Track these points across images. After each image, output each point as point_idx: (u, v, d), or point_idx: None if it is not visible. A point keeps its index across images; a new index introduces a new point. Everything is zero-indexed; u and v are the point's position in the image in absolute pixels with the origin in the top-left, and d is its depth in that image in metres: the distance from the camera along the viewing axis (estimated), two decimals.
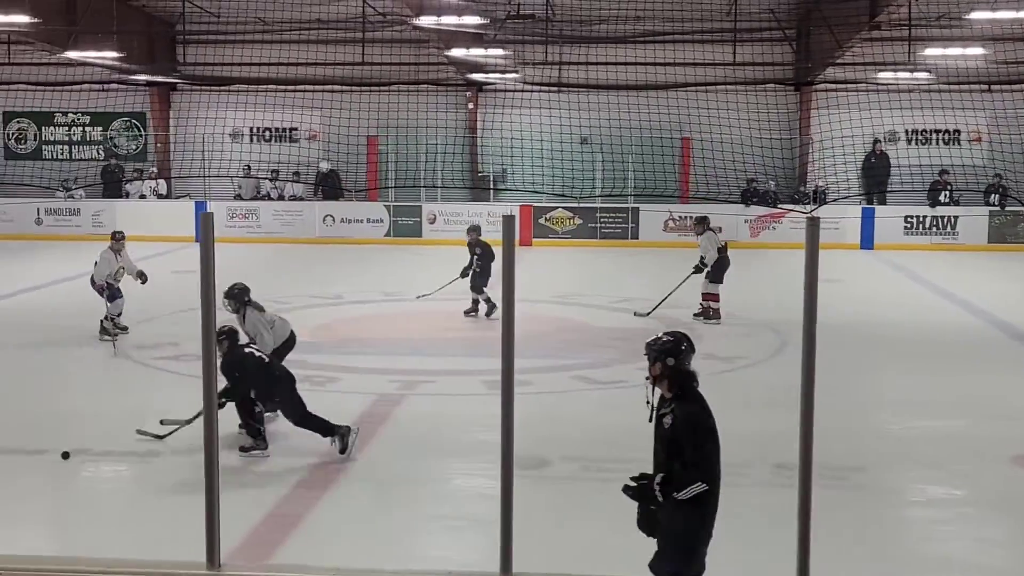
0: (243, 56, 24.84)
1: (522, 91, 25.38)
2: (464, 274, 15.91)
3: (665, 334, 5.59)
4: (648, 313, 15.97)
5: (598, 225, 25.66)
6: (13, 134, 28.51)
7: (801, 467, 4.23)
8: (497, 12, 22.35)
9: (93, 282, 14.33)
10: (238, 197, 26.87)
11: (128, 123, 28.37)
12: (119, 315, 14.33)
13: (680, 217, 25.37)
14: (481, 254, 15.76)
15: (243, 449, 9.33)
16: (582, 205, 23.42)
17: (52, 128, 28.49)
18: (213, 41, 25.84)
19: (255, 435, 9.39)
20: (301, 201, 26.75)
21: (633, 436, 6.17)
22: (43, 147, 28.49)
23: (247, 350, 9.61)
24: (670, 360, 5.40)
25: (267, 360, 9.59)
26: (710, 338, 14.47)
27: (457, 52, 23.16)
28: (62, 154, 28.47)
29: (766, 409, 10.79)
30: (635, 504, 5.48)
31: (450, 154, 26.49)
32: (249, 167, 26.79)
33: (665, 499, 5.26)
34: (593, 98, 24.55)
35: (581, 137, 25.12)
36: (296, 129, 27.72)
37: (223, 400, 8.67)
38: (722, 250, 15.93)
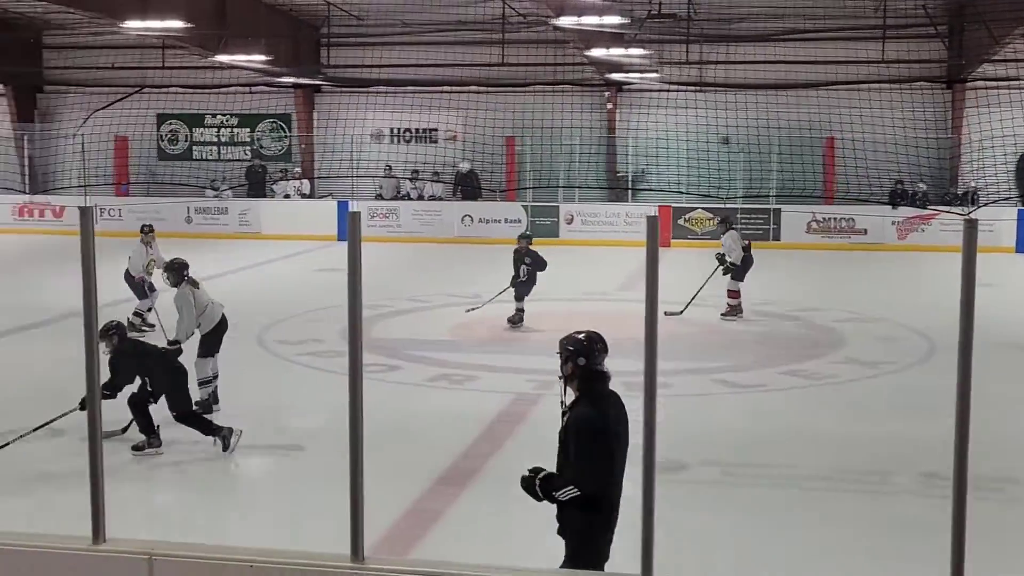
0: (385, 58, 25.25)
1: (662, 91, 25.16)
2: (513, 283, 15.29)
3: (578, 333, 5.41)
4: (681, 312, 15.64)
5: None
6: (166, 135, 29.52)
7: (956, 477, 4.06)
8: (638, 11, 22.20)
9: (130, 277, 14.54)
10: (379, 197, 27.30)
11: (274, 124, 29.11)
12: (149, 310, 14.48)
13: (823, 219, 24.81)
14: (532, 263, 15.20)
15: (136, 448, 9.24)
16: (723, 206, 23.10)
17: (202, 129, 29.41)
18: (356, 43, 26.33)
19: (148, 433, 9.30)
20: (440, 201, 27.03)
21: (772, 441, 6.02)
22: (194, 148, 29.44)
23: (138, 342, 9.94)
24: (581, 360, 5.28)
25: (162, 351, 9.76)
26: (855, 343, 14.10)
27: (597, 52, 23.09)
28: (211, 154, 29.36)
29: (914, 416, 10.46)
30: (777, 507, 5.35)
31: (588, 154, 26.43)
32: (390, 167, 27.21)
33: (545, 496, 5.14)
34: (734, 97, 24.20)
35: (722, 137, 24.79)
36: (436, 130, 28.02)
37: (105, 393, 8.44)
38: (746, 249, 15.96)
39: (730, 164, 24.46)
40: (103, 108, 27.85)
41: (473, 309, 16.02)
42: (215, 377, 10.79)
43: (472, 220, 26.40)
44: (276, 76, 26.82)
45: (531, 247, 15.53)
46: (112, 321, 9.47)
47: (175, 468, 9.14)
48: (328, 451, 9.19)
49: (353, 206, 26.20)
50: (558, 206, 26.15)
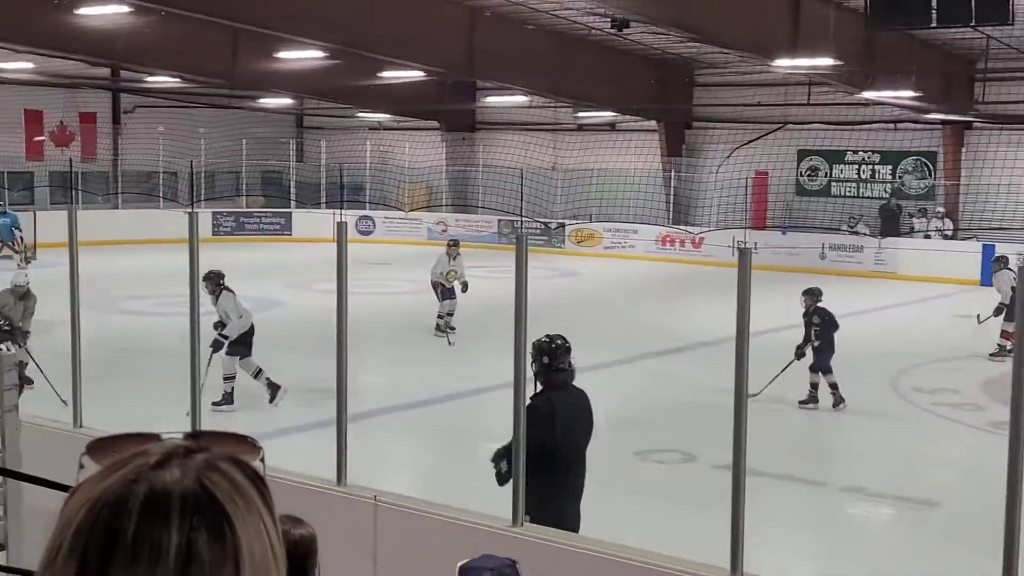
0: None
1: None
2: (800, 354, 12.42)
3: (546, 335, 6.34)
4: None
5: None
6: (805, 171, 29.71)
7: None
8: None
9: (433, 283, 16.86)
10: None
11: (918, 162, 28.12)
12: (449, 314, 16.40)
13: None
14: (821, 324, 12.41)
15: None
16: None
17: (842, 166, 29.19)
18: (1017, 78, 24.59)
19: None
20: None
21: None
22: (832, 184, 29.31)
23: None
24: (545, 359, 6.21)
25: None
26: None
27: None
28: (850, 191, 29.04)
29: None
30: None
31: None
32: None
33: (497, 472, 5.89)
34: None
35: None
36: None
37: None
38: (1015, 290, 12.68)
39: None
40: (746, 144, 28.72)
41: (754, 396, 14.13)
42: (233, 377, 12.15)
43: None
44: (923, 112, 25.88)
45: (819, 303, 12.72)
46: None
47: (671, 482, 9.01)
48: (961, 509, 8.56)
49: (998, 250, 24.46)
50: None
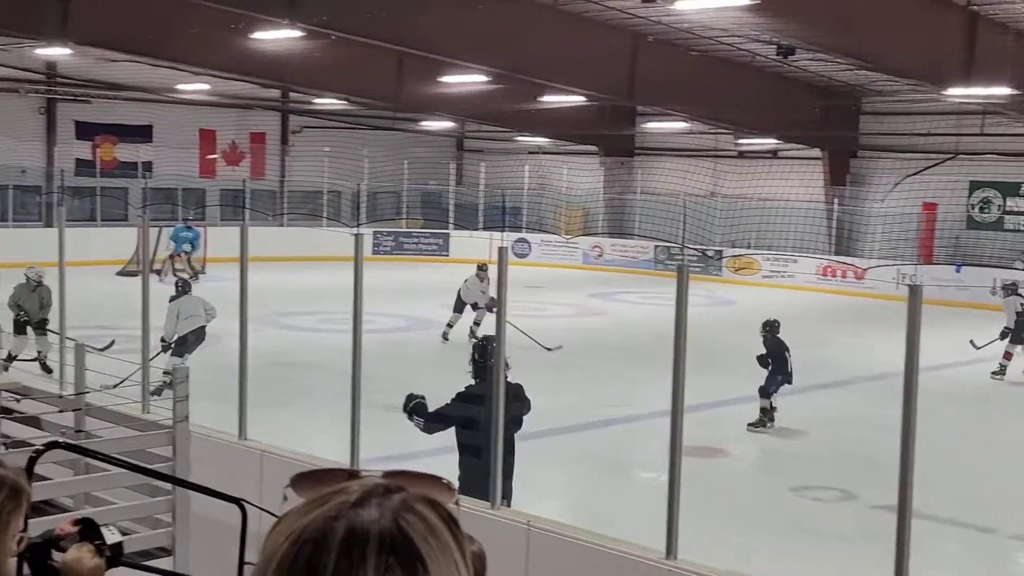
0: None
1: None
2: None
3: (483, 337, 7.93)
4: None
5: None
6: (977, 204, 28.65)
7: None
8: None
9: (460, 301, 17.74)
10: None
11: None
12: (477, 324, 17.24)
13: None
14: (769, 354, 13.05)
15: None
16: None
17: (1017, 199, 28.05)
18: None
19: None
20: None
21: None
22: (1006, 217, 28.18)
23: None
24: (479, 356, 7.89)
25: None
26: None
27: None
28: (1022, 225, 27.88)
29: None
30: None
31: None
32: None
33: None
34: None
35: None
36: None
37: None
38: (1020, 314, 16.81)
39: None
40: (914, 174, 27.87)
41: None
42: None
43: None
44: None
45: None
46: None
47: None
48: None
49: None
50: None
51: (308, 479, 1.02)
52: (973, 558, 8.73)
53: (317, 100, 29.33)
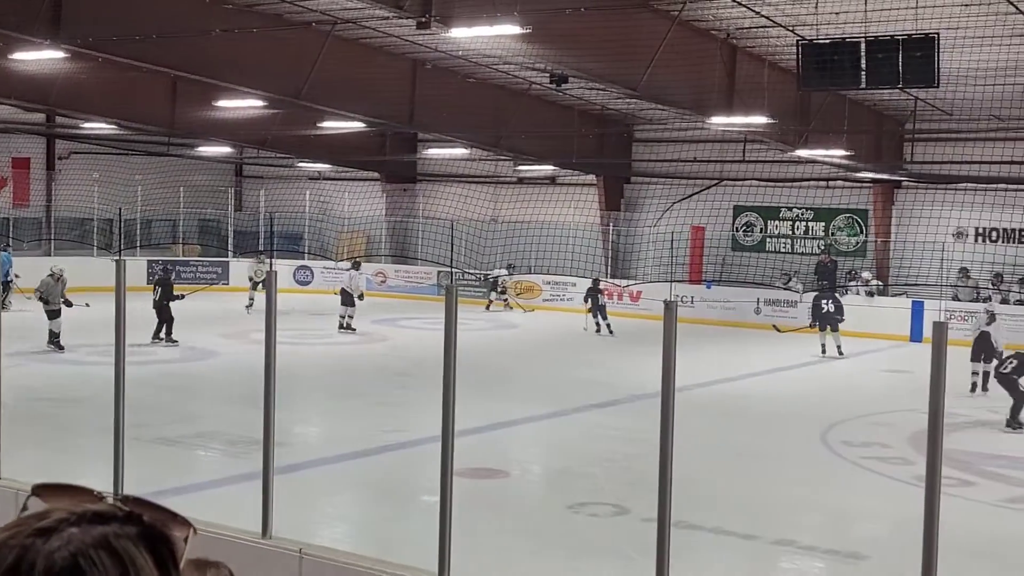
0: (975, 154, 23.90)
1: None
2: None
3: None
4: None
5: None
6: (741, 227, 30.10)
7: None
8: None
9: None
10: (955, 298, 25.74)
11: (850, 219, 28.64)
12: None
13: None
14: None
15: None
16: None
17: (777, 222, 29.63)
18: (944, 139, 25.20)
19: None
20: None
21: None
22: (767, 240, 29.73)
23: None
24: None
25: None
26: None
27: None
28: (784, 247, 29.46)
29: None
30: None
31: None
32: (966, 270, 25.61)
33: None
34: None
35: None
36: None
37: None
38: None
39: None
40: (683, 199, 29.07)
41: None
42: None
43: None
44: (855, 171, 26.40)
45: None
46: None
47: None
48: (890, 561, 8.66)
49: (929, 307, 24.94)
50: None
51: (51, 491, 0.97)
52: (740, 565, 9.14)
53: (86, 124, 28.20)
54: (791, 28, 17.81)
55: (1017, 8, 15.62)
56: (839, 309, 22.21)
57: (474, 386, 14.20)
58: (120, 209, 29.36)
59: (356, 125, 25.53)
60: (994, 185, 23.92)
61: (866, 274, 27.30)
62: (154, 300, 20.16)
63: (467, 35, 15.63)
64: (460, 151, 29.92)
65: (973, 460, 12.69)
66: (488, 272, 29.57)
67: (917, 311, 24.82)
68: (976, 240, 26.53)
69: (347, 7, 17.93)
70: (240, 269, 30.87)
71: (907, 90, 20.01)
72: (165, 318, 20.26)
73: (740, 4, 17.11)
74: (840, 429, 14.42)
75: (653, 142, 29.48)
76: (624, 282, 28.93)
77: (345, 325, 23.50)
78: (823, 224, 28.99)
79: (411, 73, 23.40)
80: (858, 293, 26.99)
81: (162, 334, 20.17)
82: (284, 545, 5.51)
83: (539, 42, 16.59)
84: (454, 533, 5.41)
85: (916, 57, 14.11)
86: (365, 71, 21.29)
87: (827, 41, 15.31)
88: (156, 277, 22.13)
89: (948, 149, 25.10)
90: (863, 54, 14.34)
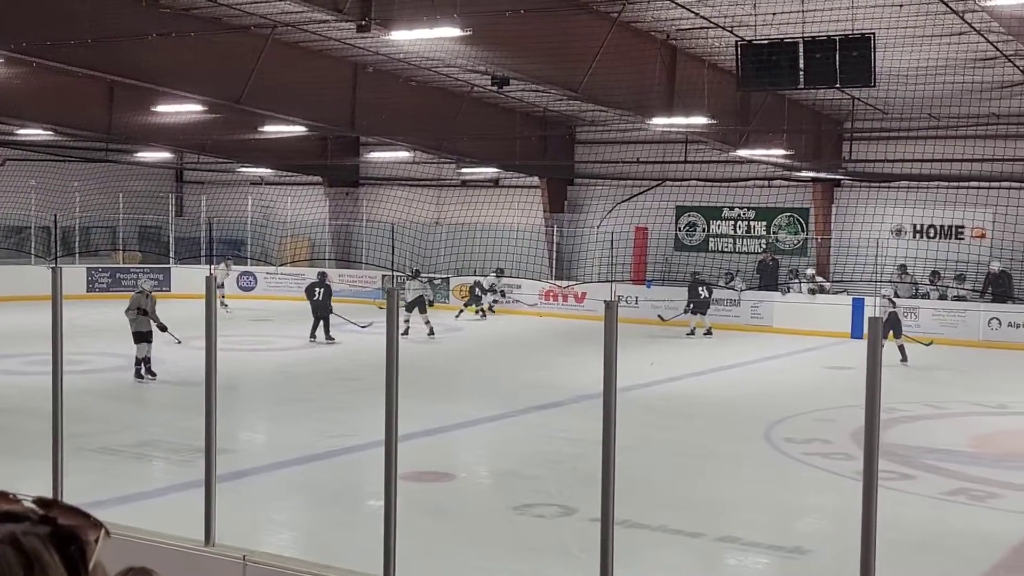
0: (911, 152, 24.27)
1: None
2: None
3: None
4: None
5: None
6: (684, 227, 30.32)
7: None
8: None
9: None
10: (896, 295, 26.08)
11: (791, 218, 28.95)
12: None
13: None
14: None
15: None
16: None
17: (719, 222, 29.87)
18: (881, 137, 25.58)
19: None
20: (964, 302, 25.36)
21: None
22: (710, 240, 29.96)
23: None
24: None
25: None
26: None
27: None
28: (727, 247, 29.71)
29: None
30: None
31: None
32: (905, 267, 25.99)
33: None
34: None
35: None
36: (962, 227, 26.41)
37: None
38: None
39: None
40: (626, 200, 29.21)
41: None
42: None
43: (1000, 324, 24.50)
44: (795, 170, 26.69)
45: None
46: None
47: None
48: (833, 555, 8.76)
49: (867, 302, 25.29)
50: None
51: None
52: (685, 562, 9.20)
53: (21, 131, 27.75)
54: (730, 29, 17.97)
55: (950, 8, 15.90)
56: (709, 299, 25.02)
57: (420, 389, 14.20)
58: (55, 216, 28.95)
59: (298, 129, 25.38)
60: (930, 183, 24.28)
61: (810, 271, 27.62)
62: (315, 300, 22.72)
63: (408, 38, 15.60)
64: (403, 154, 29.84)
65: (912, 454, 12.89)
66: (481, 278, 29.33)
67: (858, 308, 25.15)
68: (914, 237, 26.92)
69: (286, 11, 17.81)
70: (181, 275, 30.56)
71: (844, 89, 20.28)
72: (322, 316, 22.61)
73: (679, 5, 17.24)
74: (783, 426, 14.57)
75: (595, 143, 29.60)
76: (565, 283, 29.02)
77: (430, 331, 24.06)
78: (765, 223, 29.27)
79: (352, 77, 23.31)
80: (800, 291, 27.30)
81: (319, 331, 22.54)
82: (227, 552, 5.46)
83: (480, 44, 16.61)
84: (400, 537, 5.41)
85: (853, 57, 14.31)
86: (305, 75, 21.18)
87: (766, 42, 15.48)
88: (318, 278, 23.56)
89: (885, 147, 25.50)
90: (801, 54, 14.52)
